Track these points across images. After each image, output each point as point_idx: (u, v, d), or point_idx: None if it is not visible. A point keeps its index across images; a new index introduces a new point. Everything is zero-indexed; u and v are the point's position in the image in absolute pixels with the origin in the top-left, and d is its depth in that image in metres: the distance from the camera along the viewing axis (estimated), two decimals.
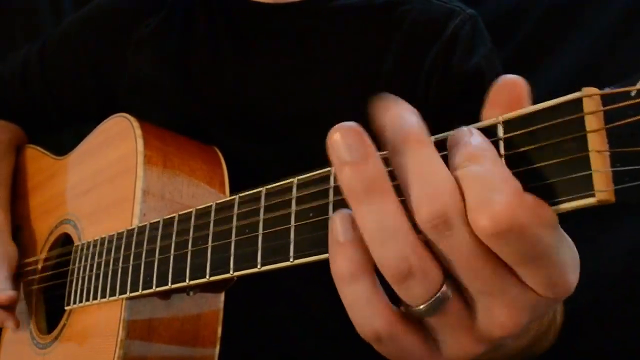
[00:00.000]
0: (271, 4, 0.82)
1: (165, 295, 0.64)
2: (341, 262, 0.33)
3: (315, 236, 0.40)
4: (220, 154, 0.76)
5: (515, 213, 0.29)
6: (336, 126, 0.32)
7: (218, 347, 0.67)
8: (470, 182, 0.31)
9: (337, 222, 0.34)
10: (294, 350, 0.81)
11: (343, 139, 0.32)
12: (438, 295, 0.32)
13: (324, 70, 0.78)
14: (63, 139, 1.00)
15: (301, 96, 0.78)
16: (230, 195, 0.50)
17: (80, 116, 0.97)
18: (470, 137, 0.32)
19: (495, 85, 0.33)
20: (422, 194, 0.31)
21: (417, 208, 0.31)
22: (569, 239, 0.33)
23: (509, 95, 0.33)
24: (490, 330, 0.33)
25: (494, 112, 0.33)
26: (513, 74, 0.34)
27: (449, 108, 0.74)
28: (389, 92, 0.82)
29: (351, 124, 0.32)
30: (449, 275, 0.33)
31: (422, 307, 0.33)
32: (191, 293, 0.62)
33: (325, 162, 0.42)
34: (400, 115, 0.33)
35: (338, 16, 0.80)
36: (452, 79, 0.75)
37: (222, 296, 0.67)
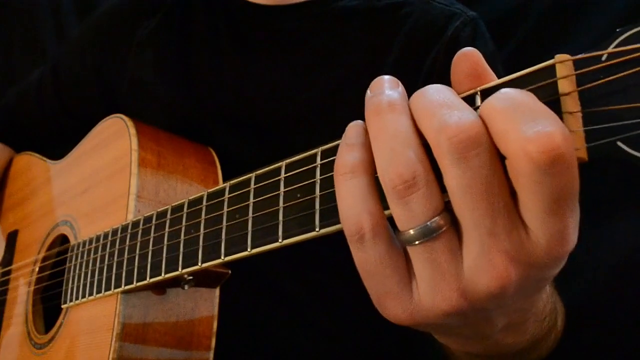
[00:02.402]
0: (271, 6, 0.82)
1: (161, 289, 0.65)
2: (346, 157, 0.35)
3: (303, 216, 0.41)
4: (214, 153, 0.76)
5: (568, 145, 0.28)
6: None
7: (213, 345, 0.67)
8: (511, 110, 0.30)
9: (351, 128, 0.37)
10: (289, 351, 0.81)
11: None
12: (432, 220, 0.32)
13: (324, 71, 0.78)
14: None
15: (300, 97, 0.78)
16: None
17: (91, 123, 0.98)
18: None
19: (454, 60, 0.36)
20: (448, 116, 0.31)
21: (443, 125, 0.31)
22: None
23: (468, 64, 0.35)
24: (478, 279, 0.32)
25: (462, 84, 0.36)
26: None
27: None
28: None
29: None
30: (447, 209, 0.32)
31: (412, 231, 0.32)
32: (186, 287, 0.63)
33: None
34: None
35: (338, 18, 0.80)
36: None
37: (217, 293, 0.68)
